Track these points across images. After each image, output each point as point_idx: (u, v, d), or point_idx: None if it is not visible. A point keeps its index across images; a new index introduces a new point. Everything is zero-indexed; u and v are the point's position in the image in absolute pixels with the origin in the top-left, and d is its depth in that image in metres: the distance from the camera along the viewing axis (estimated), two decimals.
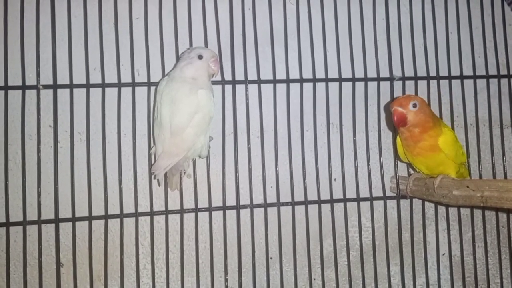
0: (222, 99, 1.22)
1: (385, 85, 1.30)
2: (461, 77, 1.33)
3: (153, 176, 1.15)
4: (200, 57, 1.10)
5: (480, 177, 1.32)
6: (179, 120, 1.07)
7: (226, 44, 1.23)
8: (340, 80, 1.27)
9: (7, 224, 1.09)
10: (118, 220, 1.15)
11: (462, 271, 1.32)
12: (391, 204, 1.32)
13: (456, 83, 1.33)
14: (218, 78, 1.21)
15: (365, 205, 1.29)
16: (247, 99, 1.21)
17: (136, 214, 1.16)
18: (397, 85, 1.30)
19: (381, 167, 1.29)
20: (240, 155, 1.21)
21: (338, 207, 1.28)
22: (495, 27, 1.38)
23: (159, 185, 1.18)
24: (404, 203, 1.32)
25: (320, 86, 1.27)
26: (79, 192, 1.14)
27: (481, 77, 1.35)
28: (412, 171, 1.31)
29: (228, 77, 1.22)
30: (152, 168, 1.11)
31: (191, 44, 1.20)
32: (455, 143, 1.13)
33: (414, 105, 1.08)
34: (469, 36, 1.36)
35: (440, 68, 1.32)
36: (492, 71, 1.37)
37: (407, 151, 1.18)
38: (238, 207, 1.20)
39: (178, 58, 1.17)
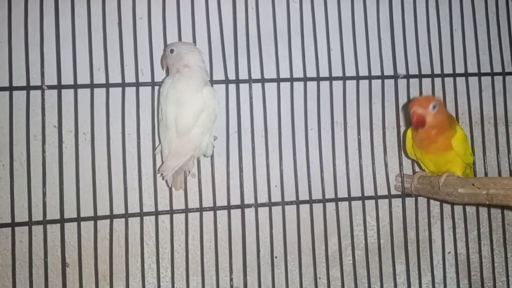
0: (226, 98, 1.22)
1: (389, 83, 1.30)
2: (466, 74, 1.33)
3: (161, 178, 1.15)
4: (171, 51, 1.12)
5: (486, 174, 1.32)
6: (185, 120, 1.08)
7: (229, 43, 1.22)
8: (344, 78, 1.27)
9: (13, 225, 1.10)
10: (123, 220, 1.15)
11: (468, 270, 1.32)
12: (396, 202, 1.32)
13: (460, 80, 1.33)
14: (221, 77, 1.21)
15: (370, 204, 1.29)
16: (251, 98, 1.21)
17: (141, 214, 1.16)
18: (402, 83, 1.30)
19: (386, 165, 1.28)
20: (244, 154, 1.21)
21: (343, 205, 1.28)
22: (499, 24, 1.38)
23: (168, 186, 1.18)
24: (409, 201, 1.31)
25: (324, 84, 1.27)
26: (84, 192, 1.14)
27: (486, 74, 1.35)
28: (417, 169, 1.31)
29: (232, 76, 1.22)
30: (160, 170, 1.12)
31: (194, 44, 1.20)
32: (465, 142, 1.13)
33: (434, 107, 1.08)
34: (473, 33, 1.35)
35: (445, 65, 1.32)
36: (497, 68, 1.36)
37: (417, 149, 1.17)
38: (242, 206, 1.20)
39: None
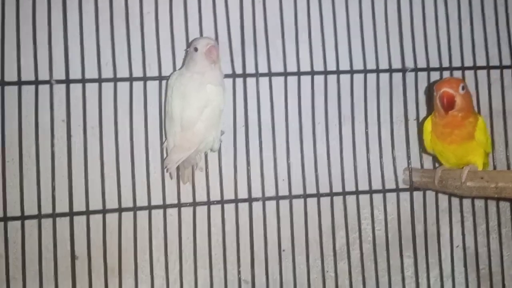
0: (233, 92, 1.22)
1: (397, 76, 1.29)
2: (475, 67, 1.31)
3: (165, 170, 1.15)
4: (195, 49, 1.08)
5: (494, 168, 1.31)
6: (190, 114, 1.08)
7: (236, 37, 1.22)
8: (351, 72, 1.26)
9: (22, 218, 1.11)
10: (132, 213, 1.16)
11: (476, 263, 1.31)
12: (404, 196, 1.31)
13: (469, 73, 1.32)
14: (229, 71, 1.21)
15: (377, 198, 1.28)
16: (258, 92, 1.21)
17: (149, 207, 1.17)
18: (410, 76, 1.29)
19: (394, 159, 1.28)
20: (251, 148, 1.21)
21: (351, 199, 1.27)
22: (508, 17, 1.36)
23: (171, 178, 1.18)
24: (417, 195, 1.31)
25: (331, 78, 1.26)
26: (92, 185, 1.15)
27: (494, 67, 1.33)
28: (426, 164, 1.31)
29: (239, 70, 1.22)
30: (164, 162, 1.12)
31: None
32: (486, 129, 1.10)
33: (463, 88, 1.04)
34: (482, 26, 1.34)
35: (453, 59, 1.31)
36: (506, 61, 1.35)
37: (438, 139, 1.12)
38: (250, 200, 1.21)
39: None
